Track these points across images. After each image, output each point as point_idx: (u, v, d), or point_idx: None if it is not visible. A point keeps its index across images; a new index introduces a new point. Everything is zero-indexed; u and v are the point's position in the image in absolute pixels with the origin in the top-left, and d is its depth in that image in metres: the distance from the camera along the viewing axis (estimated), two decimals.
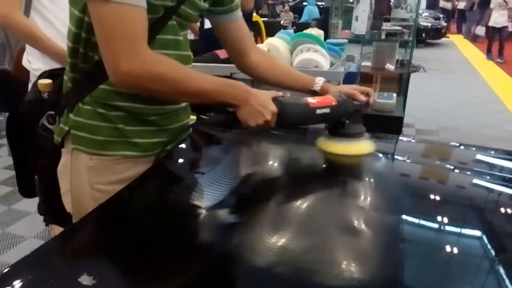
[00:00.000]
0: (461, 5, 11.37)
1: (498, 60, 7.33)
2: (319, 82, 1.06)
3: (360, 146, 0.95)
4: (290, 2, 11.00)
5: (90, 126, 0.88)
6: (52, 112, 0.94)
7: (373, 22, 2.80)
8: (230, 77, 1.89)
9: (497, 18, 7.37)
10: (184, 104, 1.00)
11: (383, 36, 2.66)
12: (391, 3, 3.45)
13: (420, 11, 9.76)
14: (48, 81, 0.99)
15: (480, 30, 9.85)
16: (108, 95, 0.87)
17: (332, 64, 1.76)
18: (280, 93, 0.91)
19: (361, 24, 2.58)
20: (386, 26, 2.63)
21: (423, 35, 9.40)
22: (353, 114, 0.96)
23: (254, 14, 4.02)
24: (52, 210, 1.05)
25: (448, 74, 6.66)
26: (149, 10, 0.79)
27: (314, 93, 1.05)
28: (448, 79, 6.34)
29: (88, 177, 0.89)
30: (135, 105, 0.89)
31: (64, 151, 0.94)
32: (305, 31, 1.85)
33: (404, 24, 3.18)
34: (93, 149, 0.89)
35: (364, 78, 3.25)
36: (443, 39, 10.38)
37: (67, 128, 0.90)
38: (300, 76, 1.09)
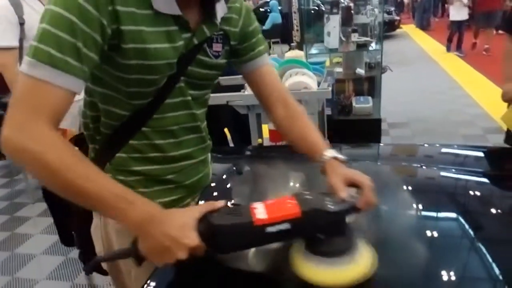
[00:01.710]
0: None
1: (457, 53, 7.34)
2: (325, 156, 0.84)
3: (349, 270, 0.67)
4: None
5: None
6: None
7: (342, 31, 3.01)
8: (227, 104, 1.99)
9: (458, 12, 7.14)
10: (202, 157, 0.98)
11: (354, 48, 2.87)
12: (352, 11, 3.70)
13: (371, 7, 10.26)
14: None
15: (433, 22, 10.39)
16: (125, 161, 0.87)
17: (318, 83, 1.94)
18: (220, 204, 0.69)
19: (333, 39, 2.79)
20: (355, 37, 2.85)
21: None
22: (331, 226, 0.68)
23: None
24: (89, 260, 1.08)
25: (408, 66, 7.04)
26: (149, 84, 0.79)
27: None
28: (408, 70, 6.71)
29: (116, 239, 0.90)
30: (151, 167, 0.89)
31: (95, 214, 0.97)
32: (288, 55, 2.02)
33: (365, 29, 3.44)
34: None
35: (338, 85, 3.48)
36: (397, 30, 10.91)
37: None
38: (312, 143, 0.90)
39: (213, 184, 1.06)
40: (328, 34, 2.86)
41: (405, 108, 4.75)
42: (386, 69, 3.34)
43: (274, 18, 9.48)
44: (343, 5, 3.19)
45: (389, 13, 10.46)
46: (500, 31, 6.72)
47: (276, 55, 2.86)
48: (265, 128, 2.25)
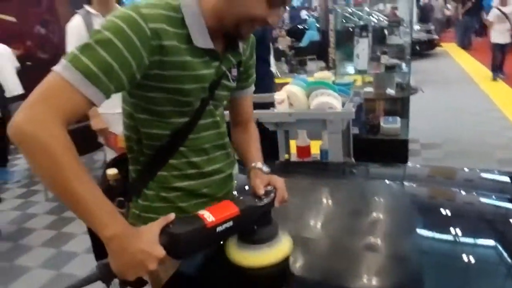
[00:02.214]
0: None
1: (501, 76, 6.87)
2: (253, 166, 1.04)
3: (275, 252, 0.87)
4: (285, 27, 11.41)
5: (156, 208, 0.99)
6: (122, 199, 1.03)
7: (372, 55, 3.11)
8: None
9: (500, 34, 6.69)
10: (228, 172, 1.09)
11: (382, 69, 2.96)
12: (385, 32, 3.78)
13: (404, 28, 10.17)
14: (115, 171, 1.05)
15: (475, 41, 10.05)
16: (166, 179, 0.97)
17: (343, 103, 2.05)
18: (171, 217, 0.78)
19: (362, 61, 2.90)
20: (384, 59, 2.93)
21: (417, 47, 9.76)
22: (261, 218, 0.88)
23: None
24: None
25: (446, 85, 6.93)
26: (185, 104, 0.91)
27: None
28: (445, 90, 6.61)
29: None
30: (188, 183, 1.00)
31: None
32: (316, 76, 2.15)
33: (398, 49, 3.51)
34: None
35: (368, 104, 3.55)
36: (437, 49, 10.73)
37: (137, 212, 1.02)
38: (248, 158, 1.09)
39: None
40: (358, 56, 2.97)
41: (440, 128, 4.70)
42: (417, 89, 3.37)
43: (311, 35, 9.67)
44: (375, 25, 3.29)
45: (428, 31, 10.35)
46: None
47: (304, 75, 3.00)
48: (293, 144, 2.37)
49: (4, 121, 4.00)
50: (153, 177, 0.98)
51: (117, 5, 2.49)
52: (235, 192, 1.12)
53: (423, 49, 9.95)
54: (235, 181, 1.16)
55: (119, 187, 1.04)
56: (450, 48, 11.37)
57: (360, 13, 4.18)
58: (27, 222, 3.29)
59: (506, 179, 1.31)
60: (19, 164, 4.76)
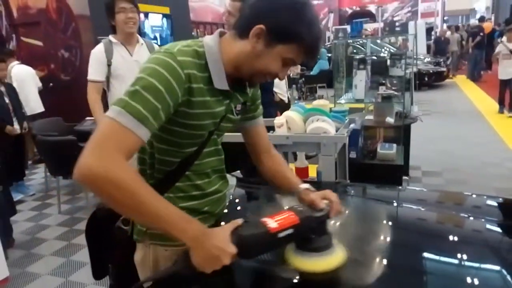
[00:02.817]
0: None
1: (506, 111, 6.84)
2: (300, 188, 1.13)
3: (330, 260, 0.94)
4: None
5: None
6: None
7: (372, 84, 3.28)
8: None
9: (506, 70, 6.69)
10: (224, 191, 1.21)
11: (379, 100, 3.13)
12: (387, 64, 3.97)
13: (422, 57, 10.37)
14: None
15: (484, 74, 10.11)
16: (172, 200, 1.03)
17: (337, 129, 2.21)
18: (239, 221, 0.89)
19: (359, 91, 3.09)
20: (382, 90, 3.11)
21: (426, 78, 9.95)
22: (317, 228, 0.96)
23: None
24: None
25: (452, 116, 7.05)
26: (199, 137, 1.03)
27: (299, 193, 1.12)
28: (451, 120, 6.73)
29: (165, 264, 1.06)
30: (192, 203, 1.09)
31: (141, 246, 1.13)
32: (314, 104, 2.33)
33: (400, 80, 3.68)
34: (167, 241, 1.05)
35: (367, 130, 3.70)
36: (448, 80, 10.91)
37: (144, 229, 1.10)
38: (291, 182, 1.19)
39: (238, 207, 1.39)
40: (355, 86, 3.15)
41: (442, 157, 4.81)
42: (416, 119, 3.51)
43: (322, 65, 9.96)
44: (375, 59, 3.47)
45: (437, 64, 10.55)
46: None
47: (300, 103, 3.17)
48: (291, 166, 2.53)
49: (22, 137, 4.27)
50: None
51: (138, 35, 2.75)
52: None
53: (431, 80, 10.14)
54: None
55: None
56: (460, 80, 11.54)
57: (371, 45, 4.40)
58: (40, 233, 3.47)
59: (494, 203, 1.42)
60: (35, 178, 5.00)
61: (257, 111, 1.24)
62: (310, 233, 0.94)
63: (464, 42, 12.26)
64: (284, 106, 3.97)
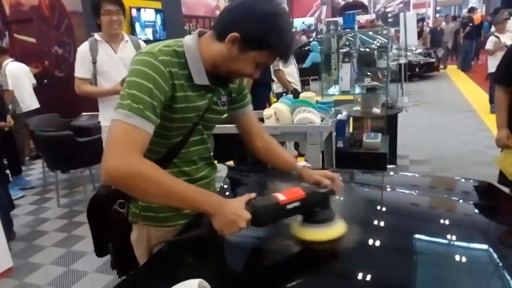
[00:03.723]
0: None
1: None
2: (299, 166, 1.27)
3: (333, 231, 1.06)
4: None
5: (155, 208, 1.20)
6: (123, 200, 1.24)
7: (359, 76, 3.41)
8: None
9: (495, 63, 5.85)
10: (212, 176, 1.31)
11: (364, 91, 3.26)
12: (375, 57, 4.10)
13: (413, 48, 10.48)
14: None
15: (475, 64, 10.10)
16: None
17: (323, 119, 2.34)
18: (253, 195, 1.01)
19: (345, 83, 3.22)
20: (367, 81, 3.23)
21: (417, 69, 10.08)
22: (322, 202, 1.07)
23: None
24: (122, 265, 1.35)
25: (441, 106, 7.19)
26: (184, 128, 1.13)
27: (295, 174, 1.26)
28: (440, 110, 6.87)
29: (156, 243, 1.13)
30: None
31: (136, 226, 1.26)
32: (301, 96, 2.45)
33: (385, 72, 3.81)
34: (158, 222, 1.21)
35: (355, 121, 3.83)
36: (441, 71, 11.04)
37: (138, 211, 1.22)
38: (287, 160, 1.32)
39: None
40: (341, 79, 3.28)
41: (430, 146, 4.95)
42: (401, 109, 3.64)
43: (314, 57, 10.04)
44: (364, 51, 3.59)
45: (426, 54, 10.67)
46: None
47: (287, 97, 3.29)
48: None
49: (12, 133, 4.34)
50: None
51: (124, 33, 2.85)
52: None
53: (422, 71, 10.28)
54: (216, 183, 1.39)
55: (119, 191, 1.17)
56: (451, 70, 11.70)
57: (364, 37, 4.45)
58: (40, 226, 3.58)
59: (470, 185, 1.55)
60: (33, 174, 5.10)
61: (245, 100, 1.33)
62: (315, 207, 1.06)
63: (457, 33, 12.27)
64: (297, 95, 4.09)
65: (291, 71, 4.46)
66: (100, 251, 1.41)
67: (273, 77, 4.07)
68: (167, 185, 0.96)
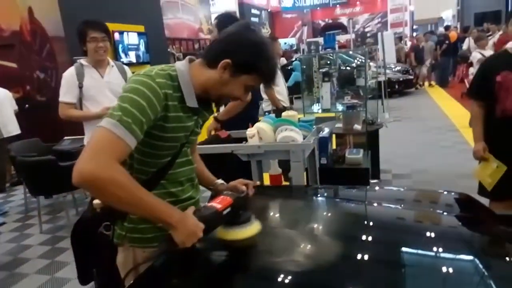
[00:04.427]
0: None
1: None
2: (218, 183, 1.45)
3: (248, 230, 1.19)
4: None
5: (141, 229, 1.24)
6: (108, 223, 1.25)
7: (339, 94, 3.50)
8: (231, 154, 2.51)
9: None
10: (197, 197, 1.36)
11: (344, 108, 3.35)
12: (354, 76, 4.22)
13: (392, 66, 10.78)
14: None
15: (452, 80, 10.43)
16: None
17: (305, 137, 2.39)
18: (193, 208, 1.12)
19: (325, 101, 3.31)
20: (346, 99, 3.33)
21: (396, 86, 10.36)
22: (242, 204, 1.23)
23: None
24: None
25: (421, 121, 7.39)
26: (173, 148, 1.20)
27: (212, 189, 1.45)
28: (420, 125, 7.05)
29: (144, 264, 1.14)
30: None
31: (122, 249, 1.29)
32: (283, 115, 2.50)
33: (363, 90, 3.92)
34: (145, 243, 1.24)
35: (338, 137, 3.90)
36: (420, 88, 11.35)
37: (124, 233, 1.25)
38: (208, 177, 1.49)
39: None
40: (322, 97, 3.38)
41: (412, 160, 5.06)
42: (381, 125, 3.73)
43: (297, 77, 10.23)
44: (344, 70, 3.71)
45: (404, 72, 10.98)
46: None
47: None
48: (266, 175, 2.69)
49: None
50: None
51: (109, 59, 2.89)
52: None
53: (401, 88, 10.57)
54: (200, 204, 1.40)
55: (105, 214, 1.23)
56: (428, 87, 12.05)
57: (344, 56, 4.60)
58: (22, 253, 3.49)
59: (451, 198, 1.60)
60: (14, 200, 4.99)
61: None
62: (239, 210, 1.20)
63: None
64: (279, 114, 4.10)
65: (281, 89, 4.55)
66: (84, 279, 1.39)
67: (263, 95, 4.12)
68: (139, 195, 1.02)
